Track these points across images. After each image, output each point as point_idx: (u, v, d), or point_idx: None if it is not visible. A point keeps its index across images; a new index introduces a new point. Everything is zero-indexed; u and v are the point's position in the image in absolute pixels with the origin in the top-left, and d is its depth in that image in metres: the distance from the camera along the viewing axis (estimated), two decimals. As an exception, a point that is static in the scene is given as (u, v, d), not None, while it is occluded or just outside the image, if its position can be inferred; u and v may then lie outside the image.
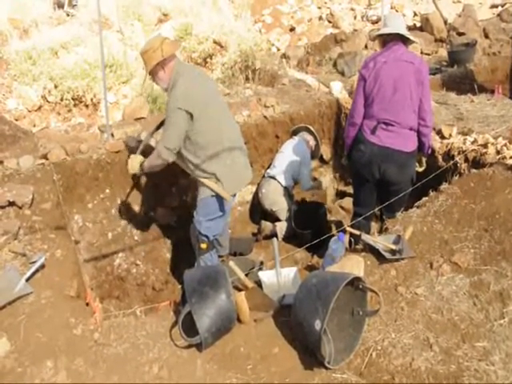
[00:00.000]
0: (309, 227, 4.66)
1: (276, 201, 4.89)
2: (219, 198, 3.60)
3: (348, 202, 5.09)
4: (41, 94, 7.44)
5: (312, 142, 5.15)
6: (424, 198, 3.68)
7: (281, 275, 3.20)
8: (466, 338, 2.47)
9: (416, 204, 3.67)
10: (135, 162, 3.74)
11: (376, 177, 3.76)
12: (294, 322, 2.52)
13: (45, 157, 4.09)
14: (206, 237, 3.68)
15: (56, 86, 7.42)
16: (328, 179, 5.32)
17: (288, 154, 4.95)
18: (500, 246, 3.01)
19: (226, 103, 3.96)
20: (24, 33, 8.80)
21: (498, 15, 9.21)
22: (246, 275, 3.17)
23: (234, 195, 3.78)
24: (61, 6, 10.08)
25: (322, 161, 5.68)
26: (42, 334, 2.51)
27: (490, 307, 2.64)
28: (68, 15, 9.51)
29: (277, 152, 5.15)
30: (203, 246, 3.71)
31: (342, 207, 5.20)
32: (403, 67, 3.54)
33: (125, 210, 4.44)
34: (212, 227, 3.69)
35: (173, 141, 3.44)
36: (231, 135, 3.62)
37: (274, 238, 3.56)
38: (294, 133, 5.21)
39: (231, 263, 3.13)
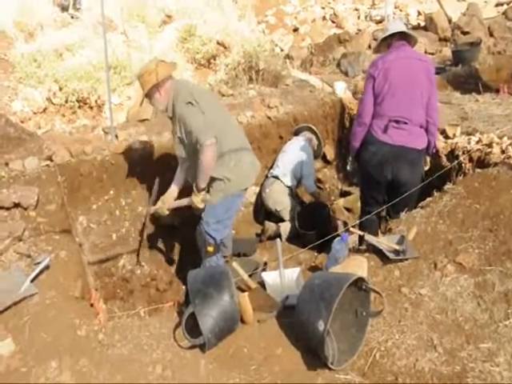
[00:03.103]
0: (312, 228, 4.66)
1: (280, 200, 4.89)
2: (228, 201, 3.61)
3: (351, 202, 5.09)
4: (46, 96, 7.46)
5: (314, 142, 5.15)
6: (428, 199, 3.67)
7: (284, 276, 3.20)
8: (471, 339, 2.46)
9: (420, 204, 3.66)
10: (199, 200, 3.63)
11: (388, 178, 3.73)
12: (297, 323, 2.51)
13: (49, 158, 4.11)
14: (214, 239, 3.68)
15: (61, 88, 7.44)
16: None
17: (291, 154, 4.95)
18: (505, 247, 2.99)
19: (227, 108, 4.02)
20: (29, 36, 8.84)
21: (503, 13, 9.16)
22: (250, 276, 3.18)
23: (245, 190, 3.81)
24: (65, 8, 10.12)
25: (326, 161, 5.68)
26: (46, 335, 2.52)
27: (495, 308, 2.62)
28: (72, 18, 9.55)
29: (280, 152, 5.15)
30: (210, 249, 3.70)
31: (346, 208, 5.19)
32: (413, 64, 3.56)
33: (129, 211, 4.45)
34: (220, 230, 3.69)
35: (208, 128, 3.33)
36: (235, 138, 3.64)
37: (278, 239, 3.56)
38: (296, 132, 5.21)
39: (235, 264, 3.14)
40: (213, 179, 3.57)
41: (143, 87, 3.48)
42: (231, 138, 3.59)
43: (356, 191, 5.11)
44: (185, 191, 3.91)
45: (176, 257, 4.58)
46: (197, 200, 3.61)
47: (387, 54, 3.64)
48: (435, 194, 3.67)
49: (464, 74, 6.43)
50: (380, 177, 3.75)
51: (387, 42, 3.67)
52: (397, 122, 3.60)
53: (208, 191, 3.65)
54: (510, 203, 3.30)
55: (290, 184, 4.89)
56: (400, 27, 3.63)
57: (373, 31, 8.48)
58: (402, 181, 3.73)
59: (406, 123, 3.59)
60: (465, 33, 7.89)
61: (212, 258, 3.75)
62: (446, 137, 4.37)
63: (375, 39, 7.47)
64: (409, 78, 3.55)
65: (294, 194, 4.99)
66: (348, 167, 4.41)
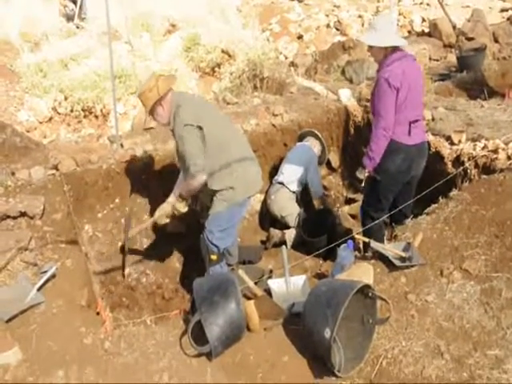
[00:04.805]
0: (318, 234, 4.65)
1: (285, 206, 4.88)
2: (232, 210, 3.61)
3: (357, 209, 5.06)
4: (51, 106, 7.54)
5: (318, 148, 5.15)
6: (434, 205, 3.66)
7: (290, 283, 3.20)
8: (478, 346, 2.45)
9: (426, 211, 3.65)
10: (182, 205, 3.85)
11: (411, 175, 3.80)
12: (303, 331, 2.51)
13: (55, 167, 4.13)
14: (217, 247, 3.66)
15: (66, 98, 7.51)
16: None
17: (295, 160, 4.95)
18: (511, 253, 2.98)
19: (232, 116, 4.05)
20: (35, 46, 8.94)
21: (508, 19, 9.17)
22: (256, 283, 3.17)
23: (250, 198, 3.79)
24: (70, 18, 10.23)
25: (331, 168, 5.67)
26: (53, 343, 2.53)
27: (502, 314, 2.61)
28: (78, 28, 9.65)
29: (284, 158, 5.15)
30: (213, 257, 3.68)
31: (351, 215, 5.18)
32: (415, 65, 3.70)
33: (134, 220, 4.46)
34: (224, 238, 3.68)
35: (199, 157, 3.43)
36: (239, 148, 3.64)
37: (283, 246, 3.55)
38: (300, 138, 5.21)
39: (240, 272, 3.14)
40: (218, 190, 3.58)
41: (146, 104, 3.51)
42: (236, 148, 3.60)
43: (361, 198, 5.09)
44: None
45: (181, 265, 4.57)
46: (180, 206, 3.83)
47: (394, 59, 3.57)
48: (441, 200, 3.66)
49: (469, 80, 6.43)
50: (404, 178, 3.78)
51: (385, 49, 3.62)
52: (414, 122, 3.65)
53: (212, 200, 3.66)
54: (516, 209, 3.29)
55: (295, 190, 4.88)
56: (402, 41, 3.68)
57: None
58: (419, 174, 3.85)
59: (418, 121, 3.69)
60: (469, 39, 7.89)
61: (216, 266, 3.74)
62: (452, 143, 4.36)
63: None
64: (418, 79, 3.66)
65: (299, 200, 4.98)
66: (363, 184, 3.94)
